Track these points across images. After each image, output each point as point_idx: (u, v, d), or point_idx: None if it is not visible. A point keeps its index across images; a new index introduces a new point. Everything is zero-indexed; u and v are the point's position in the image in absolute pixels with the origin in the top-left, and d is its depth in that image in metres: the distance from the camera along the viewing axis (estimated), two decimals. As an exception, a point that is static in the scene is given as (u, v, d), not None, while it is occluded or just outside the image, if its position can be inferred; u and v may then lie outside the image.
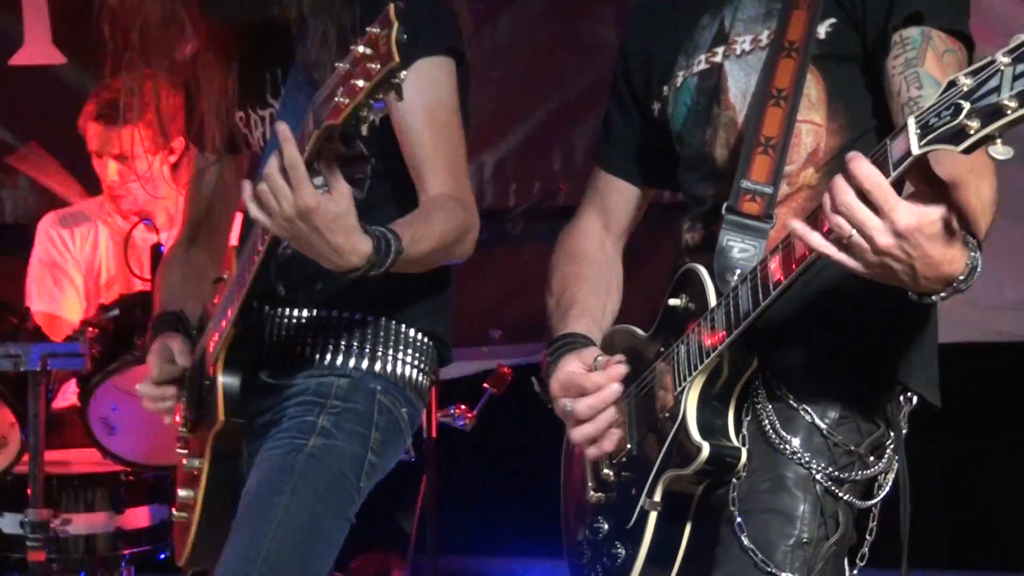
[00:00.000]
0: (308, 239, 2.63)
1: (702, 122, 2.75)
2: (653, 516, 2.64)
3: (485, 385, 4.76)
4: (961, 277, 2.22)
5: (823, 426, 2.54)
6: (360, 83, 2.42)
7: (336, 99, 2.46)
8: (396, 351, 3.15)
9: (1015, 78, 1.95)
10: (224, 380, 3.06)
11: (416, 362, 3.19)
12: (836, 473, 2.53)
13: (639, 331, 2.83)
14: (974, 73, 2.01)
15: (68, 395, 5.02)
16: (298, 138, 2.59)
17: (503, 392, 4.84)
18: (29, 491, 4.18)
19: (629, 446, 2.72)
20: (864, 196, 2.15)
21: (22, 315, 4.44)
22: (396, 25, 2.38)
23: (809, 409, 2.56)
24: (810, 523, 2.51)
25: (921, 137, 2.05)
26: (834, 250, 2.22)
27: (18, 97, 6.11)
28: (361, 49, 2.43)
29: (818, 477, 2.52)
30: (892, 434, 2.59)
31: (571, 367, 2.72)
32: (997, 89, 1.96)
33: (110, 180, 5.11)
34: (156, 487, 4.64)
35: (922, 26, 2.49)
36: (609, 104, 3.03)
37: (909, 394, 2.60)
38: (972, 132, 1.98)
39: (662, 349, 2.69)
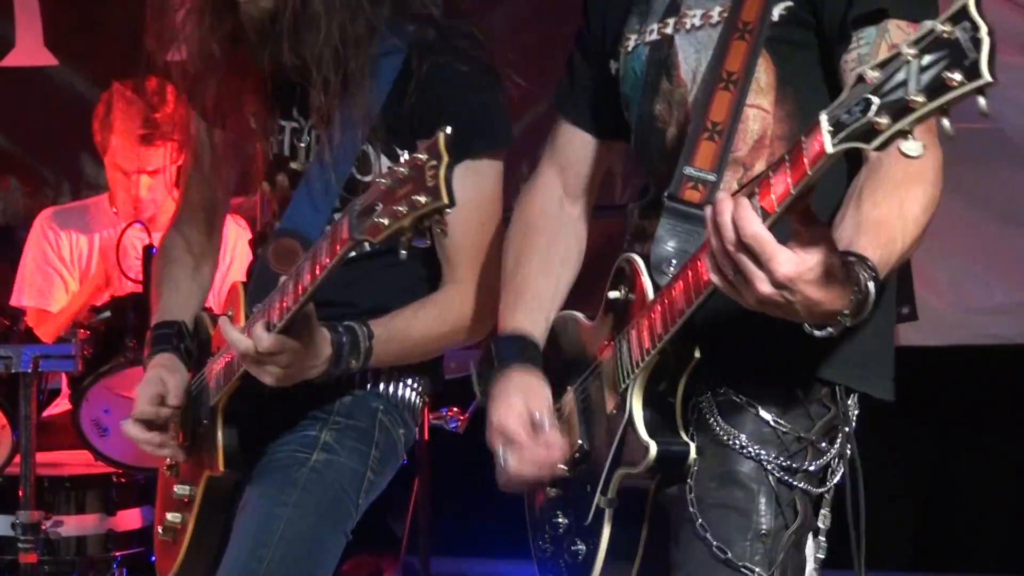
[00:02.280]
0: (282, 376, 2.82)
1: (653, 94, 2.67)
2: (609, 513, 2.61)
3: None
4: (846, 312, 2.18)
5: (769, 417, 2.50)
6: (403, 209, 2.38)
7: (375, 218, 2.42)
8: (397, 373, 3.15)
9: (921, 71, 1.86)
10: (225, 434, 3.05)
11: (415, 385, 3.19)
12: (788, 463, 2.49)
13: (585, 320, 2.78)
14: (882, 66, 1.92)
15: (60, 402, 5.01)
16: (328, 236, 2.59)
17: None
18: (20, 493, 4.17)
19: (580, 442, 2.69)
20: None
21: (14, 317, 4.44)
22: (446, 160, 2.34)
23: (753, 401, 2.51)
24: (767, 515, 2.48)
25: (833, 135, 1.97)
26: (720, 284, 2.21)
27: (9, 99, 6.11)
28: (404, 171, 2.39)
29: (770, 468, 2.48)
30: (847, 416, 2.54)
31: (516, 414, 2.64)
32: (904, 84, 1.88)
33: (142, 196, 5.07)
34: (148, 489, 4.51)
35: (881, 21, 2.41)
36: (574, 51, 2.93)
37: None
38: (882, 129, 1.90)
39: (605, 342, 2.64)
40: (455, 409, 4.77)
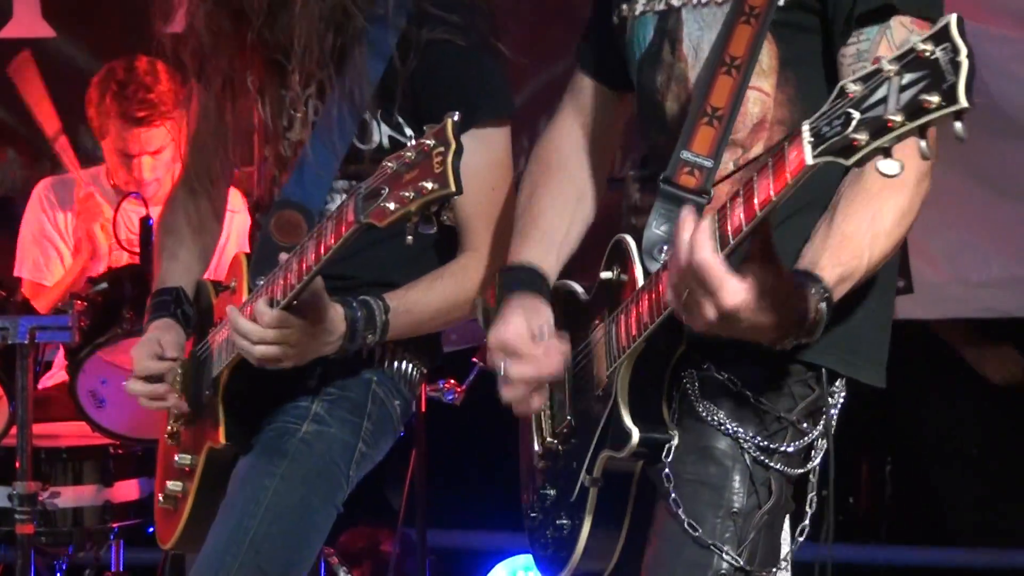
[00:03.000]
0: (290, 355, 2.86)
1: (655, 64, 2.65)
2: (594, 492, 2.61)
3: (474, 359, 4.68)
4: (789, 337, 2.26)
5: (750, 395, 2.49)
6: (409, 195, 2.39)
7: (381, 202, 2.43)
8: (393, 344, 3.13)
9: (901, 89, 1.87)
10: (226, 407, 3.06)
11: (413, 356, 3.19)
12: (765, 443, 2.48)
13: (581, 293, 2.76)
14: (864, 80, 1.93)
15: (56, 374, 5.01)
16: (334, 217, 2.60)
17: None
18: (17, 464, 4.17)
19: (569, 417, 2.69)
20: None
21: (10, 288, 4.43)
22: (454, 147, 2.35)
23: (735, 379, 2.50)
24: (740, 493, 2.47)
25: (815, 146, 1.99)
26: (674, 304, 2.27)
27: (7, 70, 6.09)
28: (411, 156, 2.40)
29: (746, 447, 2.48)
30: (829, 400, 2.53)
31: (514, 328, 2.61)
32: (884, 101, 1.88)
33: (146, 178, 5.04)
34: (145, 460, 4.58)
35: (888, 18, 2.41)
36: (593, 2, 2.90)
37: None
38: (860, 146, 1.91)
39: (597, 322, 2.63)
40: (452, 381, 4.75)
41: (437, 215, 2.45)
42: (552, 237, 2.79)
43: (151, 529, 4.45)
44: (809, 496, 2.52)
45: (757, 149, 2.52)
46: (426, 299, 3.04)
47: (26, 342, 4.13)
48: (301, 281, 2.73)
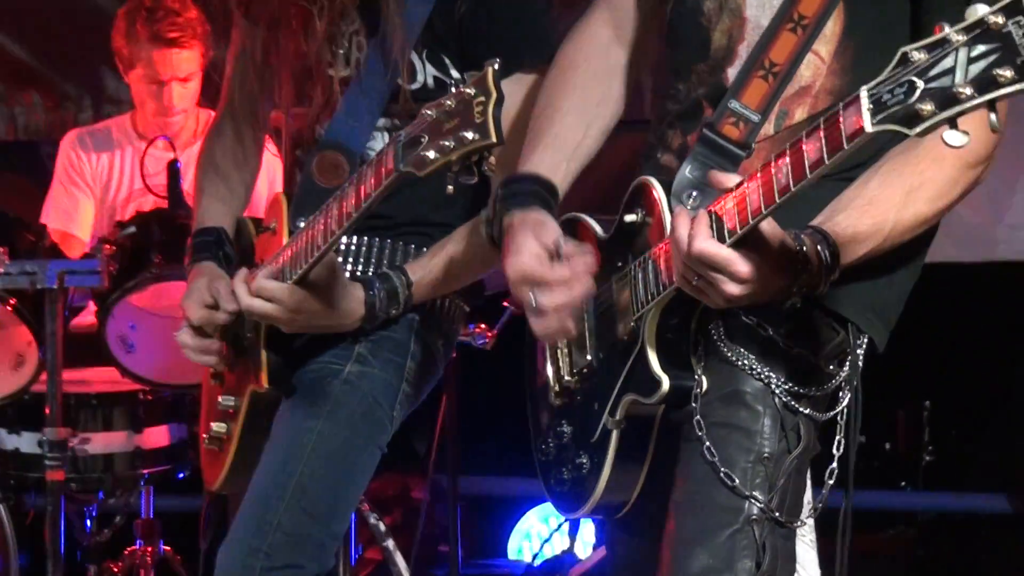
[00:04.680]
0: (302, 324, 2.91)
1: None
2: (616, 434, 2.60)
3: (505, 303, 4.64)
4: (798, 288, 2.29)
5: (778, 337, 2.47)
6: (450, 144, 2.38)
7: (421, 151, 2.42)
8: None
9: (969, 61, 1.85)
10: (269, 353, 3.05)
11: (454, 295, 3.18)
12: (795, 388, 2.47)
13: (599, 230, 2.70)
14: (928, 49, 1.90)
15: (87, 315, 4.97)
16: (373, 164, 2.60)
17: (523, 311, 4.85)
18: (47, 410, 4.19)
19: (590, 357, 2.65)
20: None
21: (38, 232, 4.44)
22: (495, 96, 2.34)
23: (764, 322, 2.48)
24: (770, 437, 2.46)
25: (874, 114, 1.96)
26: (686, 289, 2.31)
27: (29, 13, 6.06)
28: (452, 104, 2.39)
29: (777, 391, 2.46)
30: (856, 341, 2.52)
31: (529, 253, 2.50)
32: (952, 71, 1.86)
33: (175, 104, 5.06)
34: (175, 406, 4.66)
35: None
36: None
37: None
38: (925, 116, 1.89)
39: (619, 264, 2.59)
40: (483, 325, 4.74)
41: (478, 165, 2.41)
42: (565, 142, 2.70)
43: (181, 475, 4.70)
44: (837, 439, 2.50)
45: (799, 114, 2.50)
46: (450, 262, 3.03)
47: (55, 287, 4.14)
48: (342, 227, 2.72)
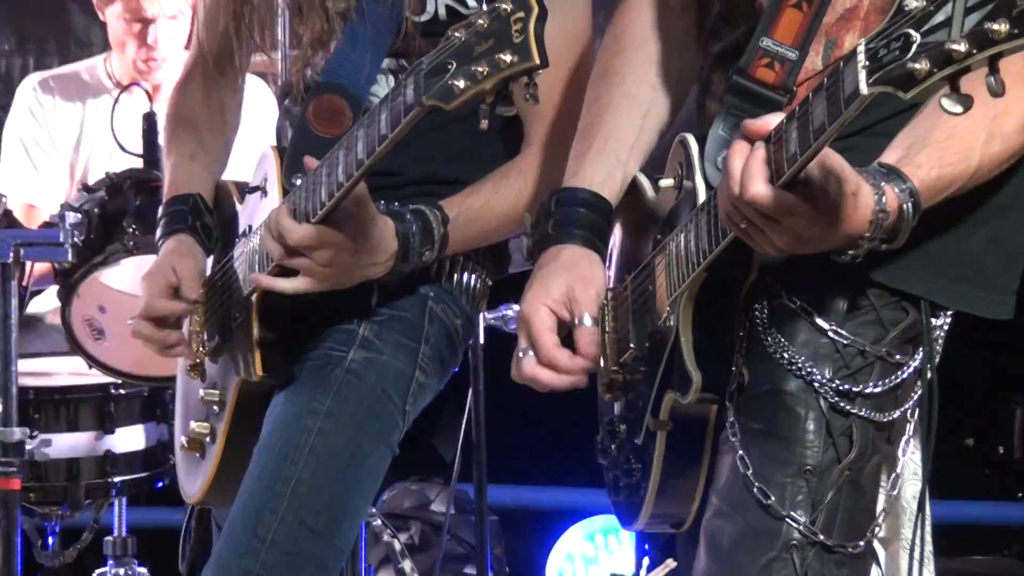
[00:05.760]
0: (333, 277, 2.86)
1: None
2: (662, 436, 2.56)
3: None
4: (867, 236, 2.23)
5: (826, 325, 2.41)
6: (483, 69, 2.32)
7: (448, 80, 2.36)
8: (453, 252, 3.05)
9: (967, 11, 1.80)
10: (262, 332, 3.01)
11: (475, 266, 3.13)
12: (845, 385, 2.40)
13: (649, 191, 2.70)
14: None
15: (48, 296, 4.94)
16: (388, 101, 2.54)
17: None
18: (1, 407, 4.09)
19: (633, 345, 2.61)
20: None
21: (-13, 198, 4.38)
22: (536, 11, 2.29)
23: (809, 307, 2.43)
24: (814, 445, 2.41)
25: (871, 72, 1.92)
26: (733, 231, 2.26)
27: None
28: (484, 24, 2.33)
29: (822, 391, 2.41)
30: (932, 321, 2.45)
31: (546, 306, 2.58)
32: (948, 23, 1.82)
33: (160, 49, 5.09)
34: (152, 403, 4.56)
35: None
36: None
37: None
38: (920, 76, 1.85)
39: (659, 236, 2.57)
40: (517, 307, 4.63)
41: (514, 95, 2.35)
42: (617, 144, 2.72)
43: (160, 484, 4.64)
44: (904, 440, 2.45)
45: (849, 41, 2.44)
46: (489, 206, 2.99)
47: (10, 261, 4.04)
48: (351, 180, 2.66)
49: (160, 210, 3.24)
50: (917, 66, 1.84)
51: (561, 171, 2.89)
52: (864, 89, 1.92)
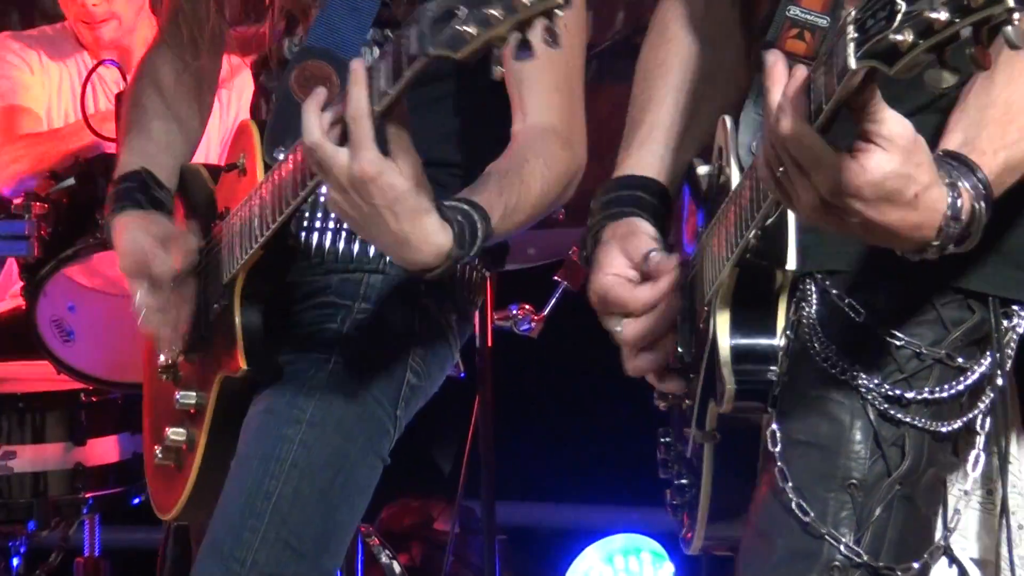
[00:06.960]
0: (366, 219, 2.62)
1: None
2: (709, 449, 2.55)
3: (556, 277, 4.63)
4: (933, 242, 2.14)
5: (875, 324, 2.39)
6: (497, 13, 2.28)
7: (456, 25, 2.32)
8: None
9: None
10: (246, 320, 2.99)
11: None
12: (897, 390, 2.35)
13: (704, 176, 2.68)
14: None
15: (10, 294, 4.94)
16: (389, 54, 2.49)
17: (579, 287, 4.65)
18: (-41, 416, 4.03)
19: (681, 351, 2.60)
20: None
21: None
22: None
23: (858, 305, 2.39)
24: (860, 458, 2.37)
25: (859, 44, 1.89)
26: (767, 181, 2.18)
27: None
28: None
29: (869, 398, 2.36)
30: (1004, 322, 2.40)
31: (612, 270, 2.57)
32: None
33: (98, 5, 5.12)
34: (126, 411, 4.53)
35: None
36: None
37: None
38: (904, 49, 1.82)
39: (700, 227, 2.56)
40: (528, 306, 4.71)
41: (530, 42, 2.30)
42: (669, 131, 2.74)
43: (136, 500, 4.65)
44: (973, 454, 2.39)
45: None
46: (525, 195, 2.90)
47: (-33, 255, 3.87)
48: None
49: (110, 186, 3.22)
50: (899, 37, 1.82)
51: (579, 143, 2.99)
52: (852, 63, 1.90)
